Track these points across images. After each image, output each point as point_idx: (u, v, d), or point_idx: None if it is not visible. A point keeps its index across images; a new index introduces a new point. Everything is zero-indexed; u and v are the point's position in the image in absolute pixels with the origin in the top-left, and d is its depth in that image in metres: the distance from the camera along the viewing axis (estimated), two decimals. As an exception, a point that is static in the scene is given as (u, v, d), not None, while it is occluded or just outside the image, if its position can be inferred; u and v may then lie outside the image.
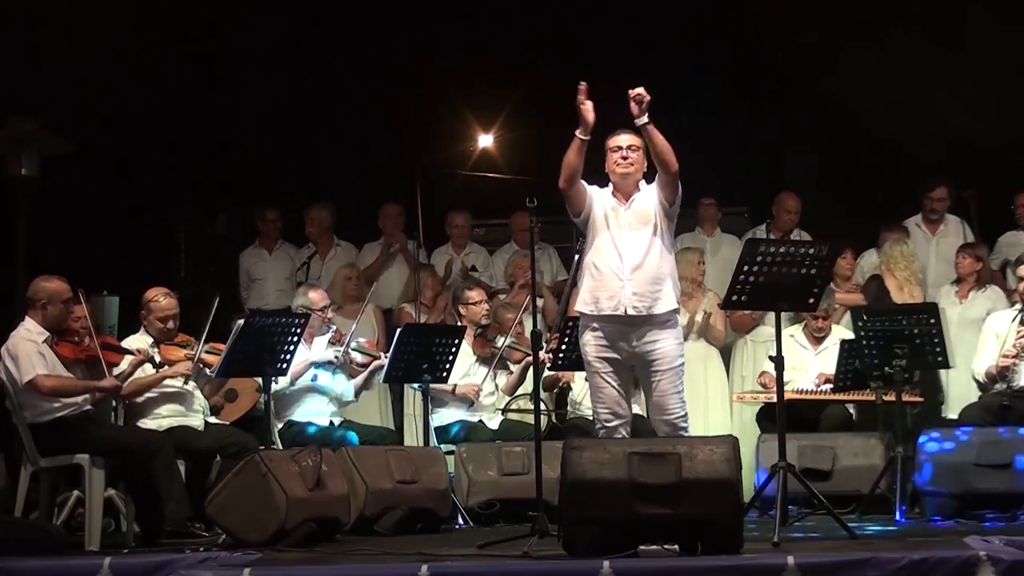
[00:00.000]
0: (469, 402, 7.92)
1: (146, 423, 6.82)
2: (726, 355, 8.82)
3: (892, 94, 9.30)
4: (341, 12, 10.02)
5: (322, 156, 10.09)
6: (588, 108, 5.97)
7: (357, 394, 7.79)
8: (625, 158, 6.12)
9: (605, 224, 6.14)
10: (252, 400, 7.63)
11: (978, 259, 8.57)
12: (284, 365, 6.89)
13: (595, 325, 6.12)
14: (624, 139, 6.13)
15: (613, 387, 6.12)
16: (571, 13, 9.91)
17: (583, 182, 6.15)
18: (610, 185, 6.21)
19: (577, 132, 6.01)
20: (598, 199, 6.19)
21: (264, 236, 9.57)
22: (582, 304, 6.18)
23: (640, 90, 5.95)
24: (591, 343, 6.13)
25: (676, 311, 6.17)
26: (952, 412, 8.08)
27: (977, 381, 7.52)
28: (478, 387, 7.93)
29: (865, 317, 7.34)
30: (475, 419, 7.92)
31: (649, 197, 6.17)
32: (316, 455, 6.18)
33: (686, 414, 6.13)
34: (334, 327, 7.83)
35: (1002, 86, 9.08)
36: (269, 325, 6.78)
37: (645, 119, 5.97)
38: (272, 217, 9.55)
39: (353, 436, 7.36)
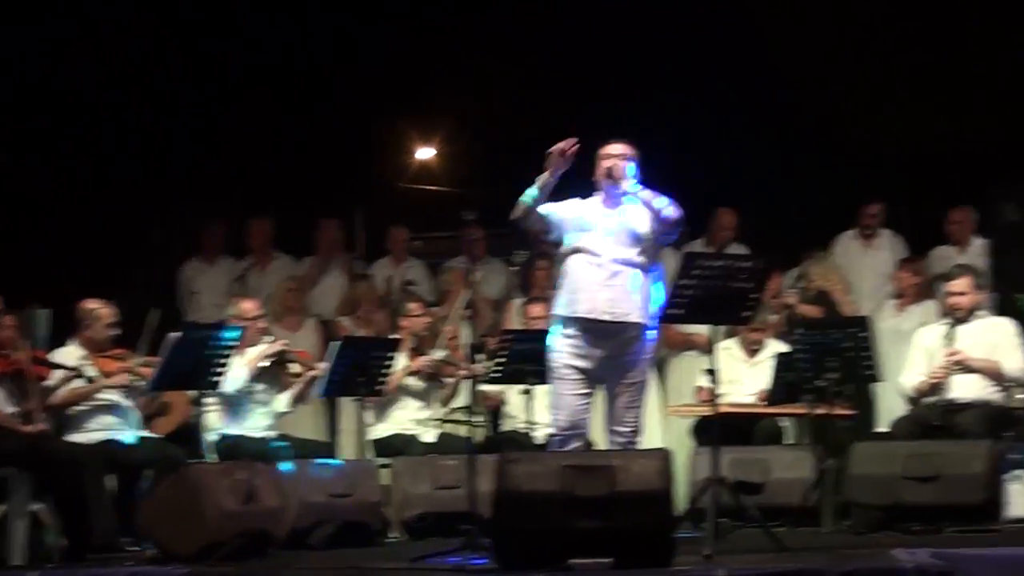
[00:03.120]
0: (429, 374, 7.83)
1: (76, 436, 6.70)
2: (660, 368, 8.78)
3: (830, 111, 9.35)
4: (280, 23, 9.96)
5: (262, 168, 10.01)
6: (558, 160, 5.89)
7: (293, 406, 7.71)
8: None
9: (587, 231, 6.04)
10: (185, 413, 7.54)
11: (916, 273, 8.61)
12: (216, 379, 6.82)
13: (569, 329, 6.03)
14: (616, 148, 6.08)
15: (575, 394, 5.99)
16: (514, 26, 9.91)
17: (544, 216, 6.04)
18: (600, 193, 6.12)
19: (548, 175, 5.92)
20: (572, 217, 6.07)
21: (205, 248, 9.48)
22: (558, 306, 6.07)
23: (617, 165, 5.95)
24: (563, 347, 6.02)
25: (647, 325, 6.05)
26: (882, 425, 8.12)
27: (906, 395, 7.56)
28: (436, 361, 7.83)
29: (799, 330, 7.35)
30: (410, 432, 7.88)
31: (641, 216, 6.07)
32: (249, 469, 6.10)
33: (636, 431, 6.05)
34: (270, 338, 7.74)
35: (937, 105, 9.16)
36: (203, 338, 6.70)
37: (626, 186, 5.98)
38: (215, 229, 9.47)
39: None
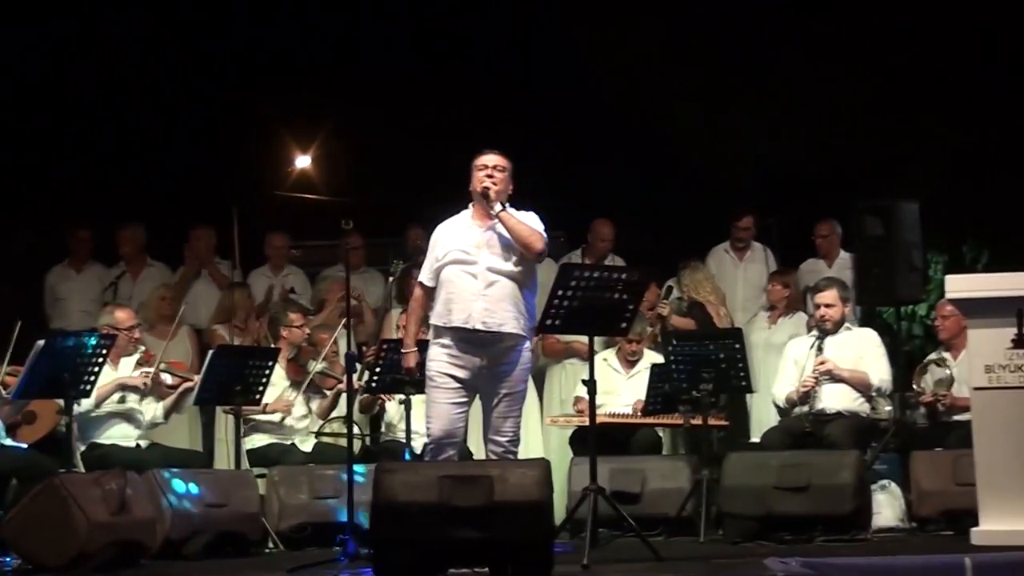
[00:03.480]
0: (281, 419, 7.78)
1: (-65, 447, 6.52)
2: (539, 379, 8.81)
3: (703, 126, 9.48)
4: (158, 26, 9.81)
5: (135, 174, 9.84)
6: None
7: (167, 416, 7.59)
8: (490, 176, 6.03)
9: (460, 242, 6.06)
10: (52, 422, 7.37)
11: (786, 286, 8.74)
12: (88, 387, 6.68)
13: (445, 339, 6.02)
14: (491, 158, 6.07)
15: (451, 403, 5.99)
16: (393, 34, 9.90)
17: (422, 282, 6.17)
18: (471, 207, 6.13)
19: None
20: (444, 240, 6.12)
21: (73, 255, 9.28)
22: (435, 317, 6.07)
23: (489, 187, 5.98)
24: (437, 357, 6.02)
25: (524, 336, 6.06)
26: (755, 435, 8.22)
27: (777, 406, 7.68)
28: (290, 402, 7.80)
29: (675, 342, 7.46)
30: (288, 442, 7.80)
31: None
32: (121, 478, 5.99)
33: (516, 440, 6.06)
34: (143, 348, 7.61)
35: (806, 122, 9.35)
36: (71, 346, 6.57)
37: (498, 208, 5.99)
38: (83, 236, 9.27)
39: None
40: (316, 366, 7.86)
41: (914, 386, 7.65)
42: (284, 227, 9.54)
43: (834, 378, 7.38)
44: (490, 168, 6.03)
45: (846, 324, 7.61)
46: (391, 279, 6.31)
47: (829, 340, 7.49)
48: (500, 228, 6.04)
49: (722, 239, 9.39)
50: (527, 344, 6.09)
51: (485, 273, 5.97)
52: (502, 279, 5.97)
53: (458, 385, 5.98)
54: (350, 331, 6.32)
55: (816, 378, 7.37)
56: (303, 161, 9.68)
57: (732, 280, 9.20)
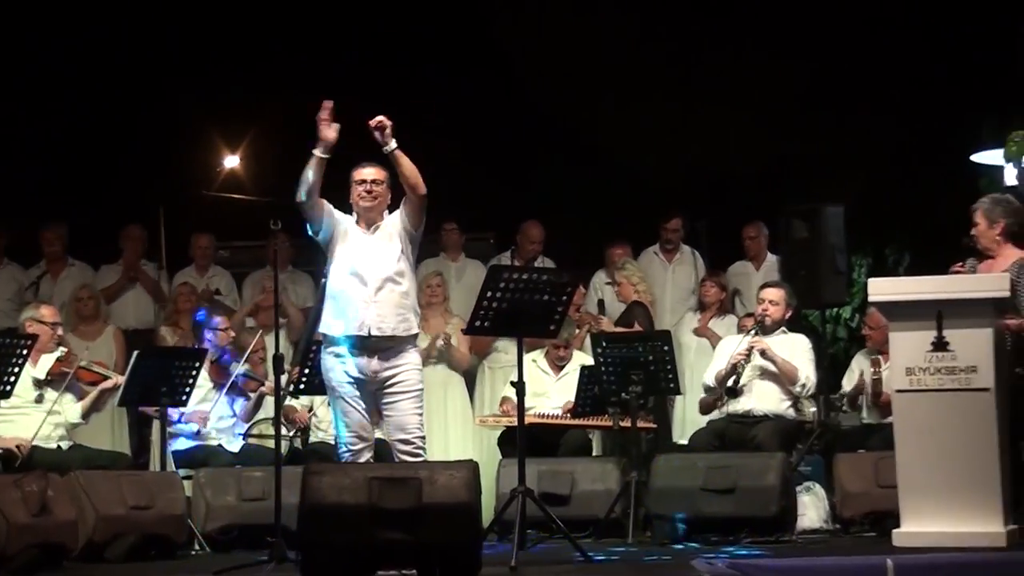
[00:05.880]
0: (195, 431, 7.76)
1: None
2: (469, 380, 8.88)
3: (632, 126, 9.52)
4: (84, 23, 9.69)
5: (58, 173, 9.73)
6: (329, 126, 6.01)
7: (86, 416, 7.49)
8: (369, 192, 6.12)
9: (348, 247, 6.14)
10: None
11: (722, 288, 8.82)
12: (9, 387, 6.62)
13: (338, 347, 6.10)
14: (368, 172, 6.14)
15: (358, 411, 6.11)
16: (318, 35, 9.86)
17: (323, 200, 6.15)
18: (354, 214, 6.22)
19: (314, 149, 6.03)
20: (341, 221, 6.20)
21: (-11, 253, 9.18)
22: (325, 326, 6.16)
23: (380, 118, 6.00)
24: (335, 366, 6.12)
25: (416, 335, 6.21)
26: (683, 438, 8.28)
27: (706, 387, 7.66)
28: (205, 415, 7.76)
29: (604, 344, 7.49)
30: (214, 444, 7.76)
31: (393, 223, 6.20)
32: (42, 479, 5.94)
33: (424, 436, 6.15)
34: (63, 349, 7.51)
35: (734, 122, 9.44)
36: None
37: (392, 145, 6.01)
38: None
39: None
40: (238, 368, 7.82)
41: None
42: (212, 228, 9.50)
43: (765, 356, 7.40)
44: (368, 183, 6.12)
45: (782, 328, 7.66)
46: (324, 280, 6.30)
47: (765, 339, 7.53)
48: (381, 231, 6.12)
49: (651, 241, 9.45)
50: (416, 341, 6.20)
51: (373, 279, 6.06)
52: (388, 283, 6.07)
53: (358, 391, 6.09)
54: (278, 333, 6.30)
55: (748, 352, 7.39)
56: (231, 161, 9.61)
57: (662, 282, 9.24)
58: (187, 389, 7.37)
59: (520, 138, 10.10)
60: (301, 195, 6.08)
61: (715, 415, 7.64)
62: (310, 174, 6.04)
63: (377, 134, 6.00)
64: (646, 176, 9.74)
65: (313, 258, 9.09)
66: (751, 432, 7.32)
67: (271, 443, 7.02)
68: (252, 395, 7.91)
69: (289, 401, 7.73)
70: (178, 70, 9.68)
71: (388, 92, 9.51)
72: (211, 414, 7.78)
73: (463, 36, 9.94)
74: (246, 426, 7.94)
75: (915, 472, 5.86)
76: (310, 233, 6.23)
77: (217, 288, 9.22)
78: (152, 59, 9.71)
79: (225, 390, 7.78)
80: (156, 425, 7.64)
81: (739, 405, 7.47)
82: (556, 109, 9.79)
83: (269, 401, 7.52)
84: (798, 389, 7.46)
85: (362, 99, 6.33)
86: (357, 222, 6.20)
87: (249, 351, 7.89)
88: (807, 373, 7.48)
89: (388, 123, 5.99)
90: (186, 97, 9.50)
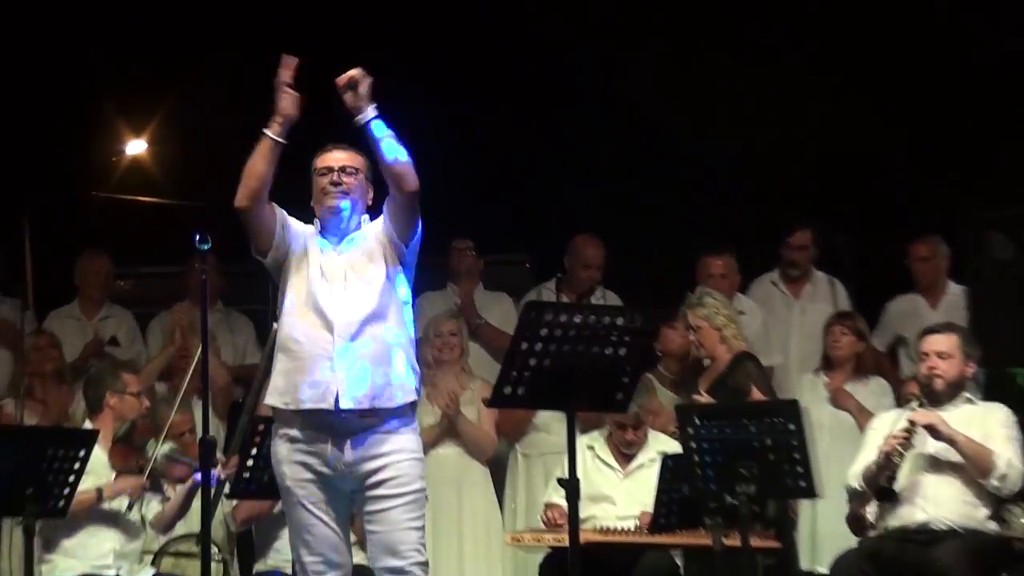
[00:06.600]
0: (130, 505, 7.82)
1: None
2: (496, 475, 8.93)
3: (720, 96, 9.67)
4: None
5: None
6: (289, 96, 6.07)
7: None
8: (338, 184, 6.18)
9: (308, 277, 6.15)
10: None
11: (860, 335, 8.81)
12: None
13: (293, 428, 6.10)
14: (337, 157, 6.22)
15: (323, 522, 6.12)
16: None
17: (274, 205, 6.16)
18: (316, 222, 6.27)
19: (266, 129, 6.07)
20: (299, 235, 6.22)
21: None
22: (274, 395, 6.15)
23: (353, 72, 6.02)
24: (287, 456, 6.13)
25: (414, 405, 6.16)
26: (819, 563, 8.35)
27: (851, 491, 7.65)
28: (141, 482, 7.80)
29: (697, 420, 7.33)
30: (111, 572, 7.80)
31: (375, 237, 6.22)
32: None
33: (426, 562, 6.14)
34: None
35: (888, 86, 9.38)
36: None
37: (370, 113, 6.02)
38: None
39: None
40: (159, 448, 7.85)
41: None
42: (104, 246, 9.56)
43: (938, 437, 7.35)
44: (335, 172, 6.19)
45: (965, 394, 7.60)
46: (274, 327, 6.27)
47: (935, 410, 7.49)
48: (355, 249, 6.17)
49: (762, 265, 9.47)
50: (415, 415, 6.20)
51: (343, 323, 6.07)
52: (367, 328, 6.08)
53: (326, 491, 6.11)
54: (206, 403, 6.40)
55: (908, 434, 7.35)
56: (136, 146, 9.66)
57: (784, 326, 9.35)
58: (67, 489, 7.24)
59: (560, 118, 10.10)
60: (244, 198, 6.08)
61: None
62: (259, 164, 6.07)
63: (348, 95, 6.00)
64: (749, 168, 9.80)
65: (255, 292, 9.15)
66: (928, 556, 7.25)
67: (194, 569, 7.30)
68: (176, 488, 7.94)
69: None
70: (60, 15, 9.86)
71: (372, 44, 9.54)
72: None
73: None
74: (160, 543, 8.02)
75: None
76: (256, 255, 6.23)
77: (113, 336, 9.32)
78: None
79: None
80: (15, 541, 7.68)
81: (906, 515, 7.46)
82: (606, 78, 9.92)
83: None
84: (995, 484, 7.39)
85: (332, 56, 6.29)
86: (321, 233, 6.20)
87: (168, 425, 7.94)
88: (1009, 459, 7.41)
89: (364, 78, 6.00)
90: (69, 53, 9.74)
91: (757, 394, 8.26)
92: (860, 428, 8.22)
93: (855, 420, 8.48)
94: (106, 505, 7.80)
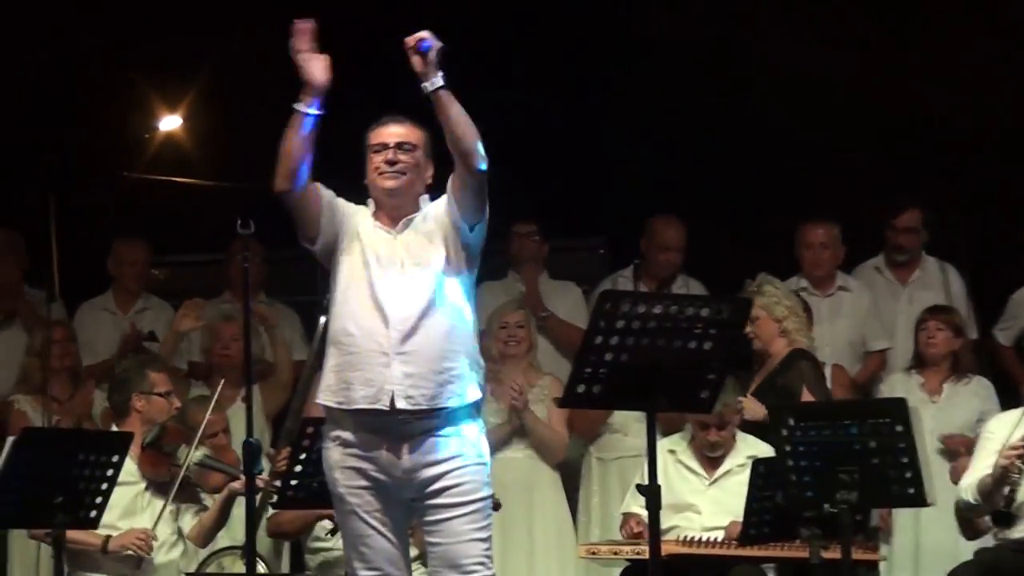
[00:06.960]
0: (136, 562, 7.79)
1: None
2: (569, 480, 8.94)
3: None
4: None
5: None
6: (314, 61, 6.07)
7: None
8: (393, 162, 6.16)
9: (361, 264, 6.15)
10: None
11: (957, 331, 8.83)
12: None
13: (346, 430, 6.12)
14: (393, 131, 6.20)
15: (380, 532, 6.14)
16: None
17: (319, 186, 6.16)
18: (371, 203, 6.26)
19: (297, 104, 6.09)
20: (351, 221, 6.22)
21: None
22: (325, 393, 6.16)
23: (422, 34, 5.97)
24: (339, 459, 6.15)
25: (479, 406, 6.18)
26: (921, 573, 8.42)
27: (962, 505, 7.63)
28: (148, 534, 7.79)
29: (792, 421, 7.32)
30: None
31: (435, 219, 6.20)
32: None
33: (493, 575, 6.14)
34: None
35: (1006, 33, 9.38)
36: None
37: (438, 81, 5.98)
38: None
39: None
40: (193, 455, 7.88)
41: None
42: (138, 232, 9.62)
43: None
44: (392, 148, 6.17)
45: None
46: (323, 319, 6.27)
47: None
48: (413, 234, 6.17)
49: (873, 251, 9.46)
50: (480, 416, 6.21)
51: (399, 316, 6.07)
52: (426, 321, 6.07)
53: (381, 499, 6.12)
54: (250, 401, 6.38)
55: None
56: (170, 123, 9.69)
57: (891, 315, 9.35)
58: (98, 499, 7.33)
59: (637, 83, 10.12)
60: (281, 180, 6.10)
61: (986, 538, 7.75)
62: (295, 143, 6.08)
63: (416, 59, 5.96)
64: (850, 139, 9.78)
65: (303, 282, 9.17)
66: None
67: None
68: (213, 498, 7.98)
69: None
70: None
71: (432, 10, 9.59)
72: (156, 533, 7.87)
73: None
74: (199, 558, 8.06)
75: None
76: (303, 242, 6.26)
77: (151, 331, 9.33)
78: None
79: (173, 492, 7.86)
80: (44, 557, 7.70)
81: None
82: (689, 41, 9.94)
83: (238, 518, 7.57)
84: None
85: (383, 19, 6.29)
86: (375, 215, 6.21)
87: (202, 429, 7.97)
88: None
89: (434, 42, 5.96)
90: (97, 24, 9.74)
91: (807, 397, 8.25)
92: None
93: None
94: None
